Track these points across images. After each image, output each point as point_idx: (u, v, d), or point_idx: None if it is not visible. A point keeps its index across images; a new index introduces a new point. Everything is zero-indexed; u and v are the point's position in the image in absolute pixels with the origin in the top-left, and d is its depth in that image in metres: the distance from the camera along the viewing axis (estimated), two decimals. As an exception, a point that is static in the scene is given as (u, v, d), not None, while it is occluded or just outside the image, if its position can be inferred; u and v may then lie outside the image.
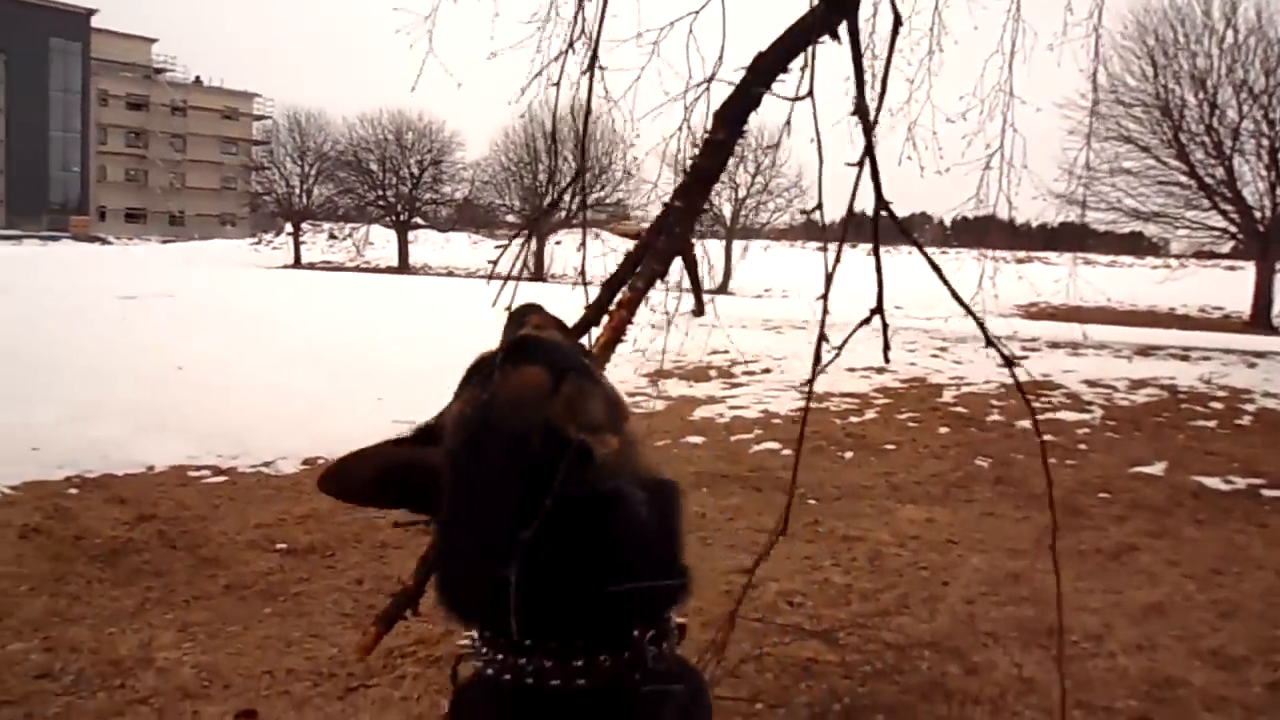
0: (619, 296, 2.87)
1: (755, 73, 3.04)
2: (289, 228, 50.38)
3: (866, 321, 3.22)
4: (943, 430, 8.63)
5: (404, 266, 45.58)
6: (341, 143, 50.69)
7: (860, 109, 3.16)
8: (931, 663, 4.02)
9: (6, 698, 3.46)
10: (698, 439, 8.36)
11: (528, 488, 0.97)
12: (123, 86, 76.64)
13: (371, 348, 12.39)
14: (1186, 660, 4.06)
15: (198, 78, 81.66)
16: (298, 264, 45.69)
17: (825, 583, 4.99)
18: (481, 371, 1.14)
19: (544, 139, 43.65)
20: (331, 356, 11.72)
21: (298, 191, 50.96)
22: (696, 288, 3.29)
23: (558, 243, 44.49)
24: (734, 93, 3.07)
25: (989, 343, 2.74)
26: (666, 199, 3.21)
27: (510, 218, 46.19)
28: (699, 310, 3.32)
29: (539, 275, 42.05)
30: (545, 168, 45.00)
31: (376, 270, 43.20)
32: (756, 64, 3.05)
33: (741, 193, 41.67)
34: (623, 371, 7.19)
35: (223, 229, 71.82)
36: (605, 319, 2.87)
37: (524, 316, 1.29)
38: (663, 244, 2.94)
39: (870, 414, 9.28)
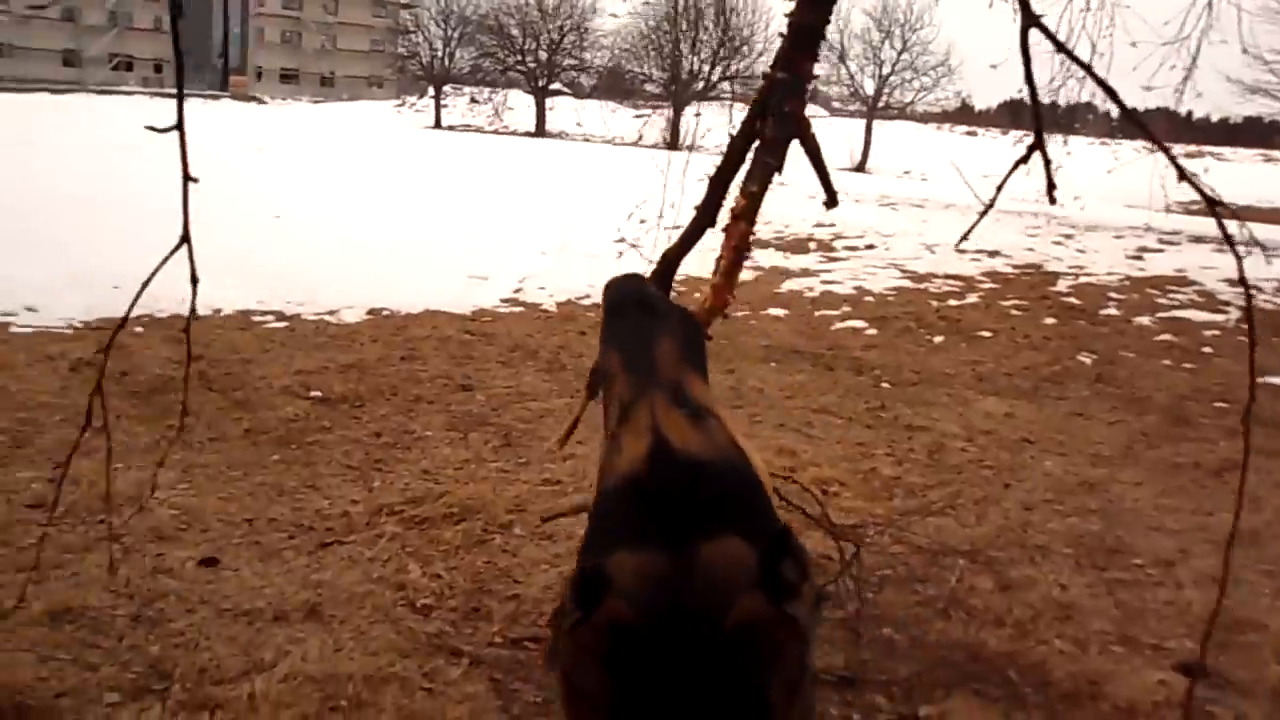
0: (731, 205, 2.49)
1: None
2: (432, 91, 50.67)
3: (1024, 160, 2.63)
4: (1048, 320, 7.81)
5: (540, 132, 45.29)
6: (484, 6, 50.17)
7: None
8: (962, 574, 3.56)
9: (-8, 525, 3.46)
10: (780, 311, 7.85)
11: (732, 662, 1.17)
12: (279, -51, 77.50)
13: (476, 209, 12.22)
14: (1269, 600, 3.47)
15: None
16: (438, 126, 46.04)
17: (871, 473, 4.56)
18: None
19: (684, 6, 42.15)
20: (429, 216, 11.62)
21: (440, 55, 50.97)
22: (823, 176, 2.82)
23: (697, 114, 43.19)
24: None
25: (1221, 230, 2.20)
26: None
27: (649, 86, 44.91)
28: (831, 202, 2.88)
29: (674, 145, 41.13)
30: (686, 35, 43.54)
31: (514, 134, 43.10)
32: None
33: (885, 69, 39.22)
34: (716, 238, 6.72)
35: (371, 90, 72.77)
36: (722, 236, 2.51)
37: (648, 328, 1.62)
38: (771, 131, 2.51)
39: (972, 298, 8.50)
